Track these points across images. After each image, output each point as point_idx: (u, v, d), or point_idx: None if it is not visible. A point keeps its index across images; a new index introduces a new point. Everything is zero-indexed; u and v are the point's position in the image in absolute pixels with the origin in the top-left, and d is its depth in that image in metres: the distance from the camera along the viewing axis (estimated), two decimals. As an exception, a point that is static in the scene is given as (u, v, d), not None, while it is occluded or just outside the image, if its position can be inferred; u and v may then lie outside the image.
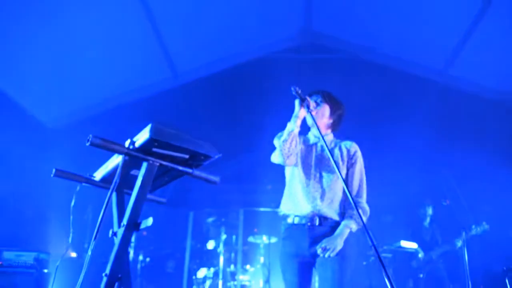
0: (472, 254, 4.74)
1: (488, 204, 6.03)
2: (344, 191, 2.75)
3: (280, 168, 2.96)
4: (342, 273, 2.59)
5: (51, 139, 6.11)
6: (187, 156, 1.65)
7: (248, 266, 6.26)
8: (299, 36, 6.72)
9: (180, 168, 1.68)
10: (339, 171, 2.25)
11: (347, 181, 2.80)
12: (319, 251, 2.58)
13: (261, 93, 6.28)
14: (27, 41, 5.02)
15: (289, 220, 2.77)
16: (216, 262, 5.99)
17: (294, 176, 2.83)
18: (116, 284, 1.53)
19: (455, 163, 6.45)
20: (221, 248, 5.99)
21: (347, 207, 2.75)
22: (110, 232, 1.80)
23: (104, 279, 1.49)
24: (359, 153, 2.87)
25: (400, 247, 5.65)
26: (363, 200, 2.79)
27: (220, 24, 5.92)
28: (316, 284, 2.70)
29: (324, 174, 2.77)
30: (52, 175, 1.88)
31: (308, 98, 2.69)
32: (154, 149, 1.58)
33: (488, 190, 6.23)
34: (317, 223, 2.68)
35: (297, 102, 2.68)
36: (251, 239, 6.38)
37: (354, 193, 2.78)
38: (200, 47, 6.23)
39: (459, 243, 5.45)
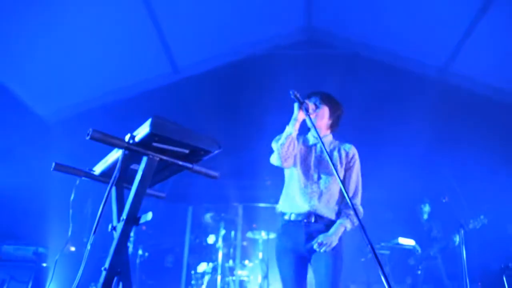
0: (470, 251, 4.76)
1: (486, 202, 6.04)
2: (340, 192, 2.84)
3: (279, 165, 2.97)
4: (336, 268, 2.66)
5: (50, 133, 6.11)
6: (187, 151, 1.65)
7: (246, 262, 6.28)
8: (299, 32, 6.71)
9: (180, 162, 1.68)
10: (337, 173, 2.27)
11: (344, 182, 2.84)
12: (315, 245, 2.66)
13: (260, 89, 6.28)
14: (27, 36, 5.00)
15: (286, 217, 2.85)
16: (215, 257, 6.00)
17: (293, 176, 2.88)
18: (115, 278, 1.54)
19: (455, 161, 6.46)
20: (220, 243, 6.00)
21: (342, 207, 2.83)
22: (110, 226, 1.81)
23: (103, 273, 1.50)
24: (357, 156, 2.92)
25: (398, 244, 5.67)
26: (358, 202, 2.87)
27: (220, 19, 5.91)
28: (313, 281, 2.73)
29: (322, 175, 2.82)
30: (51, 169, 1.88)
31: (307, 102, 2.74)
32: (154, 144, 1.58)
33: (487, 188, 6.24)
34: (313, 220, 2.76)
35: (296, 105, 2.72)
36: (249, 234, 6.39)
37: (350, 195, 2.84)
38: (200, 42, 6.22)
39: (456, 239, 5.47)
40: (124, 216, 1.56)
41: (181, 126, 1.58)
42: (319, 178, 2.81)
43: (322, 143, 2.37)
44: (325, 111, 2.88)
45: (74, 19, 5.05)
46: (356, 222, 2.73)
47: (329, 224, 2.76)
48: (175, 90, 6.58)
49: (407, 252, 5.82)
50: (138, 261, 6.25)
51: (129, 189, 1.64)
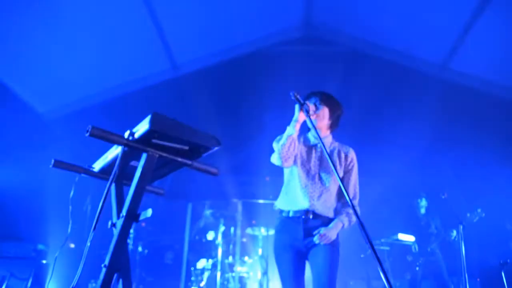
0: (469, 247, 4.77)
1: (485, 197, 6.04)
2: (337, 191, 2.91)
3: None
4: (333, 261, 2.72)
5: (50, 130, 6.11)
6: (186, 148, 1.65)
7: (246, 258, 6.28)
8: (299, 29, 6.70)
9: (180, 159, 1.68)
10: (337, 173, 2.28)
11: (343, 184, 2.85)
12: (316, 237, 2.72)
13: (260, 85, 6.28)
14: (25, 33, 4.99)
15: (284, 214, 2.89)
16: (215, 254, 6.00)
17: (293, 175, 2.91)
18: (115, 275, 1.54)
19: (453, 157, 6.46)
20: (219, 240, 6.01)
21: (340, 206, 2.92)
22: (109, 223, 1.80)
23: (103, 270, 1.50)
24: (355, 160, 2.98)
25: (398, 240, 5.68)
26: (356, 203, 2.93)
27: (219, 16, 5.89)
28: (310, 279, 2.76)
29: (322, 175, 2.86)
30: (51, 166, 1.88)
31: (308, 103, 2.75)
32: (154, 140, 1.58)
33: (485, 184, 6.25)
34: (311, 217, 2.80)
35: (296, 107, 2.73)
36: (249, 231, 6.40)
37: (350, 197, 2.85)
38: (199, 38, 6.21)
39: (453, 233, 5.49)
40: (123, 212, 1.56)
41: (180, 122, 1.58)
42: (319, 178, 2.85)
43: (323, 144, 2.39)
44: (325, 112, 2.90)
45: (73, 16, 5.04)
46: (354, 221, 2.83)
47: (327, 221, 2.81)
48: (174, 87, 6.58)
49: (407, 248, 5.83)
50: (138, 257, 6.26)
51: (129, 186, 1.64)
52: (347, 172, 2.93)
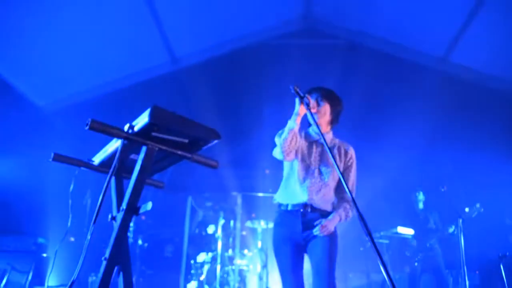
0: (468, 240, 4.79)
1: (484, 191, 6.05)
2: (336, 187, 2.94)
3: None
4: (332, 253, 2.75)
5: (49, 123, 6.10)
6: (186, 141, 1.65)
7: (246, 251, 6.30)
8: (299, 21, 6.67)
9: (179, 152, 1.68)
10: (338, 168, 2.29)
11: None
12: (316, 228, 2.74)
13: (259, 78, 6.27)
14: (25, 26, 4.97)
15: (283, 207, 2.91)
16: (214, 247, 6.01)
17: (293, 170, 2.92)
18: (116, 268, 1.55)
19: (453, 150, 6.46)
20: (219, 233, 6.02)
21: (338, 200, 2.94)
22: (109, 217, 1.80)
23: (104, 263, 1.50)
24: (354, 157, 3.01)
25: (397, 233, 5.69)
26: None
27: (218, 9, 5.87)
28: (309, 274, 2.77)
29: (322, 170, 2.88)
30: (50, 159, 1.87)
31: (308, 96, 2.73)
32: (153, 134, 1.57)
33: (485, 178, 6.25)
34: (309, 210, 2.83)
35: (297, 100, 2.72)
36: (249, 224, 6.41)
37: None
38: (199, 31, 6.18)
39: (451, 229, 5.49)
40: (123, 206, 1.56)
41: (180, 116, 1.58)
42: (319, 173, 2.87)
43: (324, 139, 2.39)
44: (326, 108, 2.91)
45: (72, 10, 5.02)
46: (350, 216, 2.87)
47: (325, 214, 2.84)
48: (173, 80, 6.56)
49: (406, 241, 5.84)
50: (138, 251, 6.28)
51: (129, 179, 1.64)
52: (346, 168, 2.96)
